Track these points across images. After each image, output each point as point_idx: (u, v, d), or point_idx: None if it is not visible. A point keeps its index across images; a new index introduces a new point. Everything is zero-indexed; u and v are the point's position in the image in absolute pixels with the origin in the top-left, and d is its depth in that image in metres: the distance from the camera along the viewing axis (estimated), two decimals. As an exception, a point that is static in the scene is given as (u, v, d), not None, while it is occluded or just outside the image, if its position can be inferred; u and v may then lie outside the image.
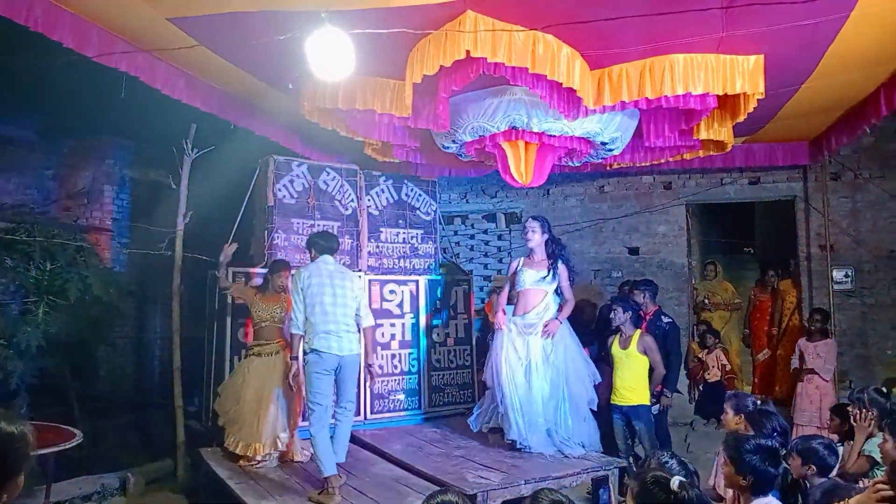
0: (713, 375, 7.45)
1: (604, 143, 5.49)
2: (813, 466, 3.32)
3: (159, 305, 7.33)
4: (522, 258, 5.70)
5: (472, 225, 8.66)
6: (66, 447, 4.46)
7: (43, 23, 3.82)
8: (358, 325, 4.87)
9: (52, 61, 4.36)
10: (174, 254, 6.16)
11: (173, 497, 5.63)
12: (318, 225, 6.54)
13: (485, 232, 8.61)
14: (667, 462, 2.66)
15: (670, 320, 6.02)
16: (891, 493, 2.23)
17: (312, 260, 4.93)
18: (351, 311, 4.78)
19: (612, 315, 5.72)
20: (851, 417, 4.02)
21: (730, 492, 2.97)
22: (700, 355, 7.55)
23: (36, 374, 5.83)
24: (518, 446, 5.24)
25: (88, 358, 6.74)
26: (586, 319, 6.74)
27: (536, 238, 5.55)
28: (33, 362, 5.75)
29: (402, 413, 6.64)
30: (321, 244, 4.93)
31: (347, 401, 4.83)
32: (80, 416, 6.41)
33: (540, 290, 5.49)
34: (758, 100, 4.62)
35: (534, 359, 5.34)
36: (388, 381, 6.60)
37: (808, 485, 3.42)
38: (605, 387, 5.91)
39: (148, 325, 7.94)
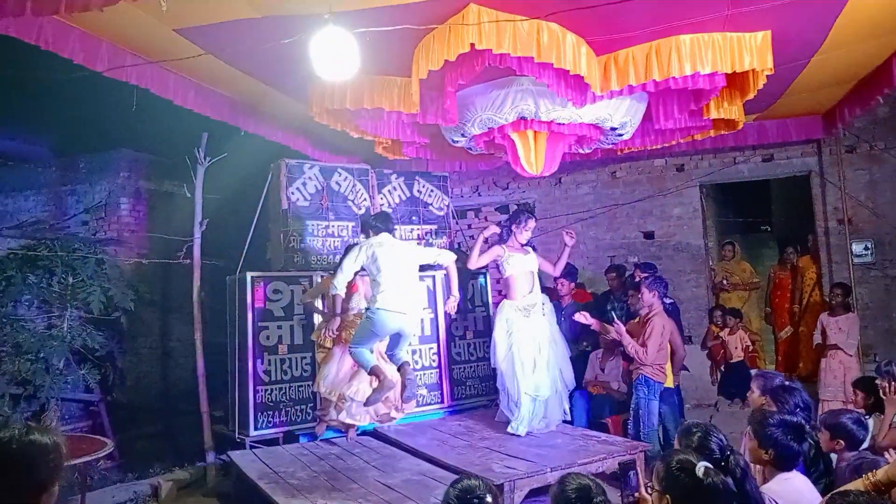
0: (736, 356, 7.40)
1: (613, 129, 5.48)
2: (842, 441, 3.31)
3: (181, 313, 7.42)
4: (504, 246, 5.88)
5: (486, 218, 8.66)
6: (98, 456, 4.55)
7: (53, 41, 3.89)
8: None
9: (63, 78, 4.43)
10: (192, 261, 6.25)
11: (205, 500, 5.71)
12: (333, 226, 6.60)
13: (498, 224, 8.59)
14: (700, 434, 2.65)
15: (672, 301, 6.15)
16: (919, 461, 2.22)
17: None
18: (415, 275, 5.22)
19: (629, 301, 5.76)
20: (880, 390, 3.99)
21: (757, 468, 2.97)
22: (722, 335, 7.49)
23: (64, 388, 5.95)
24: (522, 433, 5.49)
25: (114, 369, 6.87)
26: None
27: None
28: (60, 376, 5.86)
29: (425, 408, 6.67)
30: (378, 225, 5.23)
31: (402, 351, 5.25)
32: (110, 426, 6.54)
33: (531, 272, 5.85)
34: (767, 76, 4.59)
35: (540, 339, 5.64)
36: (410, 377, 6.64)
37: (832, 460, 3.42)
38: (627, 374, 5.92)
39: (171, 334, 8.05)
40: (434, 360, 6.82)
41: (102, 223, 7.75)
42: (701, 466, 2.17)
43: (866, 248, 7.12)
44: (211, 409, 6.30)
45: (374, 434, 5.86)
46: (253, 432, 5.83)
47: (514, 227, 5.84)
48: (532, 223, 5.94)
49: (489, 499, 2.16)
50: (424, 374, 6.75)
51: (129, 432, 6.87)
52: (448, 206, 7.50)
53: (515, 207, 8.48)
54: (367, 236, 5.30)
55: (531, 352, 5.55)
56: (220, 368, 6.47)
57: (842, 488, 2.43)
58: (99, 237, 7.52)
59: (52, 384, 5.76)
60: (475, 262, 5.87)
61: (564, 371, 5.78)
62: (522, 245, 5.87)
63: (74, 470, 4.52)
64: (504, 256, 5.79)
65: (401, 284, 5.06)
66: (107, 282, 6.28)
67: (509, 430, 5.52)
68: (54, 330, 6.01)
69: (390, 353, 5.28)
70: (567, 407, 5.84)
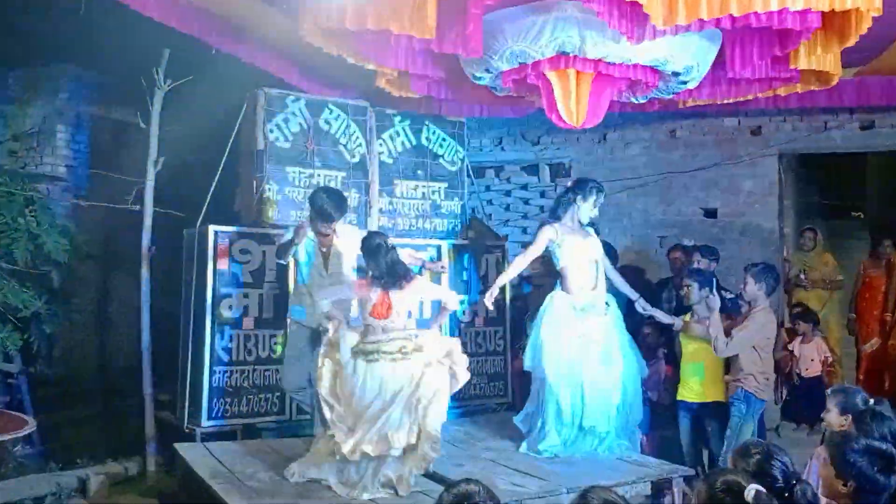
0: (812, 370, 7.35)
1: (676, 74, 5.44)
2: None
3: (126, 272, 7.47)
4: (557, 225, 5.64)
5: (509, 178, 8.65)
6: (17, 436, 4.62)
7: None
8: None
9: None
10: (143, 208, 6.27)
11: (142, 500, 5.82)
12: (319, 175, 6.60)
13: (524, 187, 8.59)
14: (760, 456, 2.65)
15: (733, 296, 6.11)
16: None
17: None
18: None
19: (682, 292, 5.75)
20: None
21: (823, 500, 2.98)
22: (791, 346, 7.47)
23: (-25, 354, 6.02)
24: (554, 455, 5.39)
25: (40, 335, 6.92)
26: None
27: None
28: (-29, 340, 5.93)
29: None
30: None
31: None
32: (31, 404, 6.61)
33: (594, 261, 5.66)
34: (874, 17, 4.52)
35: (592, 344, 5.45)
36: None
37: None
38: (670, 381, 5.95)
39: (112, 296, 8.12)
40: (433, 350, 6.85)
41: (34, 154, 7.75)
42: (752, 489, 2.20)
43: (984, 247, 7.09)
44: (156, 391, 6.37)
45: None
46: (206, 422, 5.91)
47: (578, 201, 5.64)
48: (602, 198, 5.79)
49: (489, 508, 2.20)
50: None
51: (54, 414, 6.94)
52: (463, 161, 7.49)
53: (547, 168, 8.47)
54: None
55: (579, 363, 5.40)
56: (169, 343, 6.54)
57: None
58: (29, 171, 7.54)
59: (-39, 350, 5.83)
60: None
61: (630, 391, 5.55)
62: (583, 226, 5.72)
63: (-13, 451, 4.60)
64: (556, 240, 5.57)
65: None
66: (36, 227, 6.30)
67: (522, 449, 5.53)
68: (-34, 283, 6.06)
69: None
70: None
